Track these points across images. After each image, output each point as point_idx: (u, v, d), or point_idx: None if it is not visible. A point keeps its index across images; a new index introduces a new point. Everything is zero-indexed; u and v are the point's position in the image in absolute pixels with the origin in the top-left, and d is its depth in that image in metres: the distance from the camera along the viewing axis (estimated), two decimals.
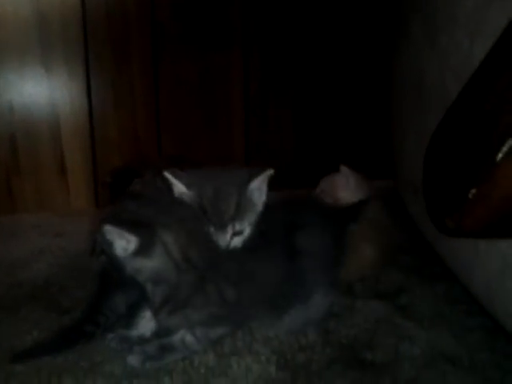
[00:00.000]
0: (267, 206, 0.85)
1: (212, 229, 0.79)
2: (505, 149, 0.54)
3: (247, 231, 0.82)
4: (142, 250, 0.69)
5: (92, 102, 1.53)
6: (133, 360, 0.76)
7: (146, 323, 0.82)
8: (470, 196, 0.57)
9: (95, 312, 0.81)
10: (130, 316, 0.82)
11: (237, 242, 0.81)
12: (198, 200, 0.79)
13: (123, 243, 0.69)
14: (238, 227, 0.80)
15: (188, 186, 0.80)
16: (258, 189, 0.83)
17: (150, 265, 0.70)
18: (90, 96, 1.53)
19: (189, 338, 0.77)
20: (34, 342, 0.81)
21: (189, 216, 0.77)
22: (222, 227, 0.79)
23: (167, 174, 0.81)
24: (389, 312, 0.94)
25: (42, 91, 1.49)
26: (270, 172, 0.82)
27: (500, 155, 0.54)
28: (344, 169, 1.11)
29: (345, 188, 1.09)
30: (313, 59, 1.71)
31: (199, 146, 1.65)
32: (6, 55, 1.44)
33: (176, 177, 0.80)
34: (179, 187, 0.81)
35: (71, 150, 1.53)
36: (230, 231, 0.79)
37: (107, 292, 0.83)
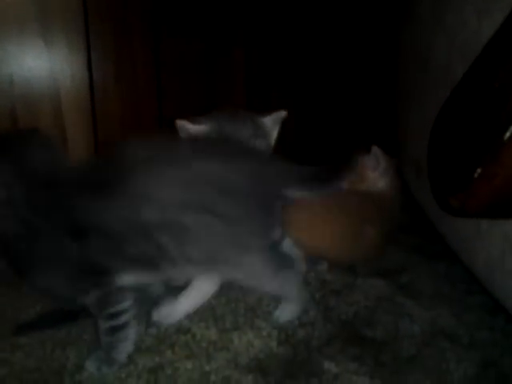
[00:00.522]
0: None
1: None
2: None
3: None
4: None
5: (93, 76, 1.51)
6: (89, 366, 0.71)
7: None
8: (476, 175, 0.56)
9: None
10: None
11: None
12: (215, 129, 0.80)
13: None
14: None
15: (204, 121, 0.80)
16: (271, 125, 0.85)
17: None
18: (90, 69, 1.51)
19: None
20: (38, 315, 0.82)
21: None
22: None
23: (180, 121, 0.80)
24: (389, 290, 0.94)
25: (43, 64, 1.47)
26: (283, 114, 0.86)
27: (508, 134, 0.53)
28: (375, 149, 1.08)
29: (374, 169, 1.07)
30: (315, 42, 1.69)
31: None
32: (4, 27, 1.41)
33: (190, 120, 0.80)
34: (195, 128, 0.80)
35: (72, 124, 1.51)
36: None
37: None
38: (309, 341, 0.78)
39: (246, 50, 1.64)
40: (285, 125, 1.68)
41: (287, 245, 1.00)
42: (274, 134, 0.85)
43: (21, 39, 1.43)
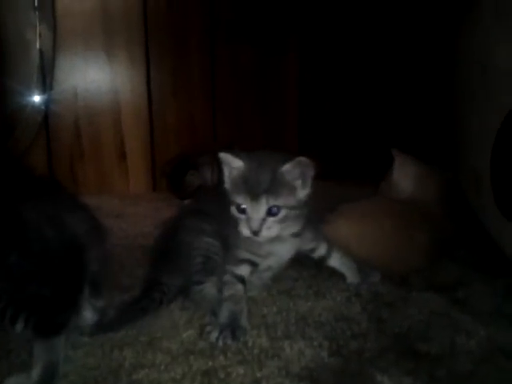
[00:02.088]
0: None
1: (243, 207, 0.82)
2: None
3: (285, 218, 0.83)
4: None
5: (151, 89, 1.57)
6: None
7: None
8: None
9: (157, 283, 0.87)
10: None
11: (271, 226, 0.82)
12: (242, 171, 0.83)
13: None
14: (271, 202, 0.81)
15: (239, 157, 0.84)
16: (291, 173, 0.83)
17: None
18: (149, 83, 1.57)
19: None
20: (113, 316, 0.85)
21: None
22: (256, 197, 0.81)
23: (222, 154, 0.85)
24: (445, 305, 0.92)
25: (105, 78, 1.55)
26: (301, 159, 0.82)
27: None
28: (396, 152, 1.06)
29: (402, 176, 1.05)
30: (371, 49, 1.68)
31: (253, 132, 1.67)
32: (71, 43, 1.50)
33: (230, 153, 0.85)
34: (233, 161, 0.84)
35: (131, 136, 1.58)
36: (263, 204, 0.81)
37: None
38: (361, 352, 0.77)
39: (298, 55, 1.66)
40: (336, 133, 1.68)
41: (335, 259, 1.00)
42: (302, 184, 0.84)
43: (86, 53, 1.52)
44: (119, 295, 0.93)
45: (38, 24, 1.46)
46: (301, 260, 1.10)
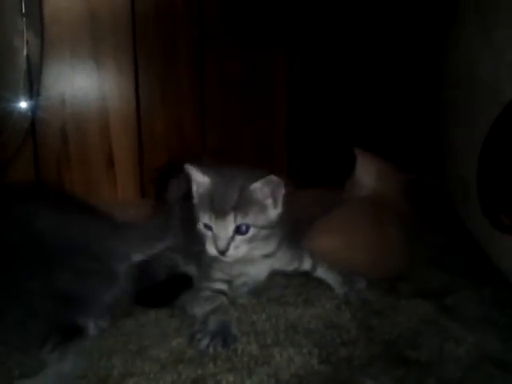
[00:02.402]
0: None
1: (209, 224, 0.80)
2: None
3: (254, 237, 0.80)
4: None
5: (140, 96, 1.57)
6: None
7: None
8: None
9: None
10: None
11: (239, 245, 0.80)
12: (208, 187, 0.82)
13: None
14: (239, 220, 0.78)
15: (205, 173, 0.82)
16: (261, 191, 0.80)
17: None
18: (137, 90, 1.57)
19: None
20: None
21: None
22: (223, 214, 0.78)
23: (188, 166, 0.83)
24: (433, 312, 0.92)
25: (92, 84, 1.54)
26: (272, 178, 0.79)
27: None
28: (357, 151, 1.10)
29: (364, 173, 1.08)
30: (358, 60, 1.70)
31: (242, 141, 1.67)
32: (59, 49, 1.49)
33: (195, 167, 0.83)
34: (197, 176, 0.83)
35: (119, 143, 1.57)
36: (231, 222, 0.78)
37: None
38: (350, 360, 0.77)
39: (287, 63, 1.67)
40: (325, 142, 1.68)
41: (321, 272, 1.00)
42: (271, 202, 0.82)
43: (73, 60, 1.51)
44: None
45: (25, 30, 1.45)
46: None
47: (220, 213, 0.78)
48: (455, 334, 0.84)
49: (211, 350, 0.77)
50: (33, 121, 1.49)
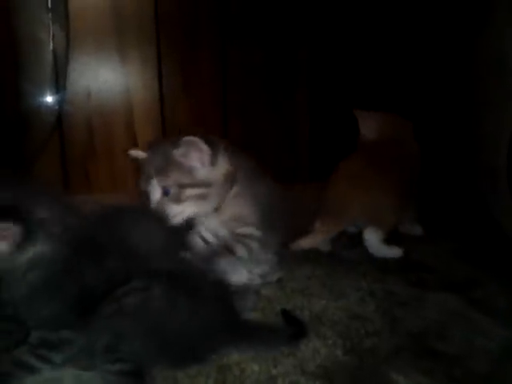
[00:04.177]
0: None
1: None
2: None
3: (179, 196, 0.86)
4: None
5: (163, 88, 1.58)
6: None
7: None
8: None
9: None
10: None
11: (170, 206, 0.86)
12: (145, 159, 0.91)
13: None
14: (162, 182, 0.85)
15: (145, 149, 0.93)
16: (183, 154, 0.86)
17: None
18: (160, 81, 1.57)
19: None
20: None
21: None
22: (148, 178, 0.87)
23: (132, 151, 0.96)
24: (461, 305, 0.91)
25: (117, 77, 1.55)
26: (188, 139, 0.85)
27: None
28: (356, 112, 1.30)
29: (367, 128, 1.27)
30: (383, 48, 1.67)
31: (264, 131, 1.66)
32: (84, 42, 1.51)
33: (136, 151, 0.95)
34: (140, 155, 0.93)
35: (143, 134, 1.58)
36: (156, 186, 0.86)
37: None
38: (376, 351, 0.77)
39: (308, 54, 1.65)
40: (345, 127, 1.65)
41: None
42: (199, 161, 0.88)
43: (98, 53, 1.52)
44: None
45: (51, 25, 1.46)
46: (314, 258, 1.10)
47: (147, 178, 0.87)
48: (484, 328, 0.83)
49: None
50: (59, 114, 1.51)
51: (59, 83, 1.49)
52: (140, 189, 0.89)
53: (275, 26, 1.61)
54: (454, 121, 1.52)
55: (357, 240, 1.15)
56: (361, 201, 1.08)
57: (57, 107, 1.50)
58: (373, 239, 1.10)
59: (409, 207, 1.19)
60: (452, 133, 1.58)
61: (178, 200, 0.86)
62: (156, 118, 1.58)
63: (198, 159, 0.87)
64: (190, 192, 0.86)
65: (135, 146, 1.56)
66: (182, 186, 0.86)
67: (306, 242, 1.11)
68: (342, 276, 1.01)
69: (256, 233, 0.93)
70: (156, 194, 0.86)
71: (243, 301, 0.83)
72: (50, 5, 1.44)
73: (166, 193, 0.86)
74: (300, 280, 0.99)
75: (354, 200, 1.09)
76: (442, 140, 1.62)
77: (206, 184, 0.87)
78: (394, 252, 1.12)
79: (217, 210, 0.92)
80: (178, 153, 0.86)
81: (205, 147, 0.86)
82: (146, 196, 0.88)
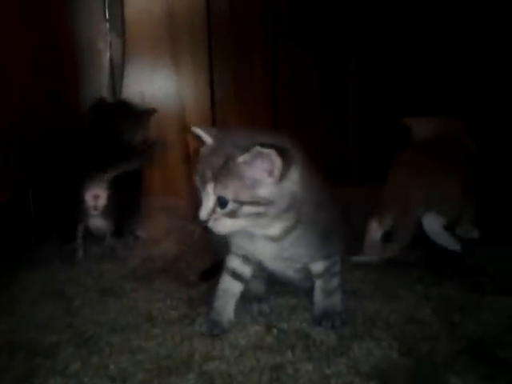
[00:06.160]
0: None
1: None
2: None
3: (235, 213, 0.71)
4: None
5: (214, 92, 1.61)
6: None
7: None
8: None
9: None
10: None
11: (219, 218, 0.71)
12: (207, 149, 0.75)
13: None
14: (218, 191, 0.70)
15: (209, 133, 0.76)
16: (249, 164, 0.69)
17: None
18: (212, 86, 1.61)
19: None
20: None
21: None
22: (204, 182, 0.71)
23: (194, 128, 0.78)
24: None
25: (170, 83, 1.60)
26: (259, 150, 0.68)
27: None
28: (407, 120, 1.30)
29: (421, 134, 1.26)
30: (434, 54, 1.64)
31: (314, 135, 1.66)
32: (139, 49, 1.56)
33: (202, 128, 0.77)
34: (204, 137, 0.76)
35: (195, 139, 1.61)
36: (211, 191, 0.70)
37: None
38: (433, 355, 0.75)
39: (358, 57, 1.64)
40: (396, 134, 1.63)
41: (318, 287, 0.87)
42: (266, 177, 0.70)
43: (153, 60, 1.58)
44: (187, 291, 0.96)
45: (108, 33, 1.53)
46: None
47: (203, 179, 0.72)
48: None
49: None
50: None
51: (116, 89, 1.55)
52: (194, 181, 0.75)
53: (326, 33, 1.61)
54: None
55: (412, 244, 1.13)
56: (423, 185, 1.07)
57: None
58: (434, 225, 1.08)
59: (468, 207, 1.15)
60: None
61: (233, 216, 0.71)
62: (207, 121, 1.61)
63: (266, 172, 0.70)
64: (247, 210, 0.71)
65: (187, 151, 1.61)
66: (241, 203, 0.70)
67: (386, 254, 1.09)
68: (395, 279, 0.99)
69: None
70: (209, 202, 0.71)
71: None
72: (107, 15, 1.51)
73: (221, 204, 0.70)
74: (352, 283, 0.98)
75: (415, 186, 1.08)
76: (499, 143, 1.57)
77: (267, 203, 0.71)
78: (454, 243, 1.11)
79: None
80: (243, 159, 0.70)
81: (278, 160, 0.69)
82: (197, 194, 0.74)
